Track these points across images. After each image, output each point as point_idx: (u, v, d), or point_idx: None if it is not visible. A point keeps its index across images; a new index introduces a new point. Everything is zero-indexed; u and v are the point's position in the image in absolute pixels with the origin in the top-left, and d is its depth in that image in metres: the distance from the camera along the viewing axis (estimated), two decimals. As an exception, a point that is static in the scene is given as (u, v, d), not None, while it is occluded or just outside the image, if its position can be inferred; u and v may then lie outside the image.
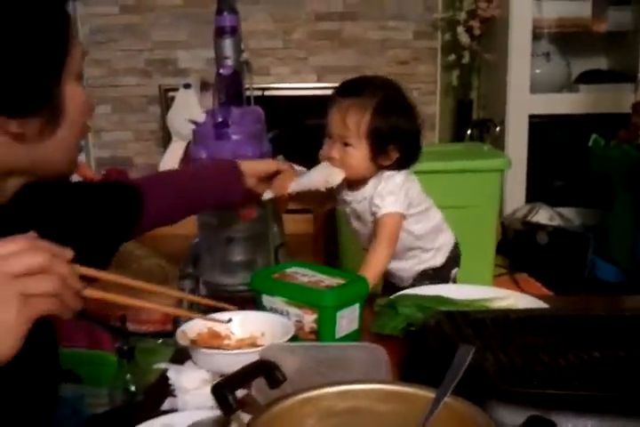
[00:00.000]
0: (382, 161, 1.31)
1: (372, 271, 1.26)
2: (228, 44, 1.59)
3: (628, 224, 2.64)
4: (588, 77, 3.19)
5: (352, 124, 1.27)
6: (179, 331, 0.94)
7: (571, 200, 3.12)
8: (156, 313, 1.81)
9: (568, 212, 3.05)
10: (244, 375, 0.61)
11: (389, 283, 1.49)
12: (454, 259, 1.49)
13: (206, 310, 1.41)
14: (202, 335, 0.95)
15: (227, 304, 0.93)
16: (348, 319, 0.97)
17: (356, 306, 0.98)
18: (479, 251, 2.35)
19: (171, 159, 2.72)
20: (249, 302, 1.23)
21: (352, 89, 1.31)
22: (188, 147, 2.69)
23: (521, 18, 2.93)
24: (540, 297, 1.17)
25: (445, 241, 1.46)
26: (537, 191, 3.09)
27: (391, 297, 1.09)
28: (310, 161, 2.59)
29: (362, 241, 1.45)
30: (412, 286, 1.41)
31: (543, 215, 2.89)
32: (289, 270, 1.06)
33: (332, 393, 0.60)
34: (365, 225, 1.39)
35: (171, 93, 3.21)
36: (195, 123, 1.58)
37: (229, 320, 0.97)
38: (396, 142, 1.29)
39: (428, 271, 1.45)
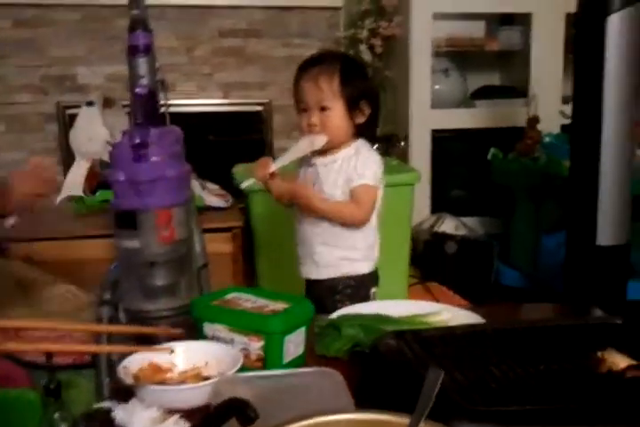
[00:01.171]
0: (358, 118, 1.44)
1: (327, 204, 1.40)
2: (142, 62, 1.54)
3: (529, 232, 2.79)
4: (484, 93, 3.36)
5: (325, 86, 1.41)
6: (120, 367, 0.90)
7: (473, 210, 3.26)
8: (72, 343, 1.72)
9: (471, 221, 3.18)
10: (217, 418, 0.59)
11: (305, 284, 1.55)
12: (374, 276, 1.53)
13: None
14: (144, 370, 0.92)
15: (166, 329, 0.90)
16: (294, 344, 0.96)
17: (302, 329, 0.98)
18: (394, 263, 2.40)
19: (74, 179, 2.60)
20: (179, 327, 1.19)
21: (315, 61, 1.47)
22: (91, 166, 2.58)
23: (420, 36, 3.04)
24: (468, 307, 1.21)
25: (375, 256, 1.50)
26: (441, 202, 3.20)
27: (333, 317, 1.09)
28: (220, 176, 2.58)
29: (301, 214, 1.49)
30: (334, 301, 1.46)
31: (449, 225, 3.00)
32: (229, 296, 1.04)
33: (313, 424, 0.59)
34: (320, 190, 1.45)
35: (69, 111, 3.08)
36: (111, 144, 1.52)
37: (171, 351, 0.94)
38: (366, 98, 1.45)
39: (349, 283, 1.49)
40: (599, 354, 0.81)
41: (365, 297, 1.49)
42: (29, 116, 3.14)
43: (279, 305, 0.98)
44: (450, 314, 1.12)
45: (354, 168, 1.42)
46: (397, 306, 1.20)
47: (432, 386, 0.62)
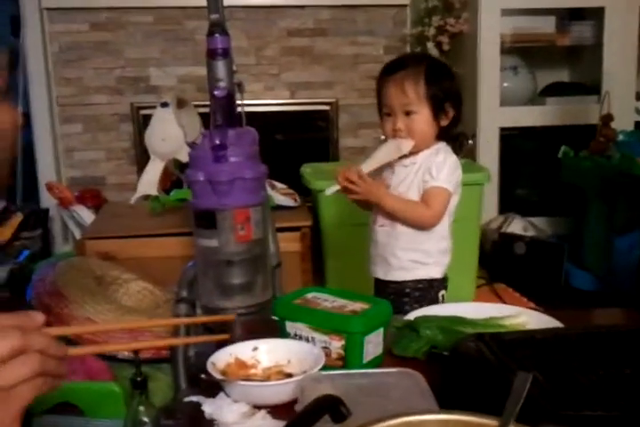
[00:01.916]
0: (442, 121, 1.45)
1: (398, 202, 1.42)
2: (220, 65, 1.59)
3: (601, 233, 2.72)
4: (554, 90, 3.29)
5: (411, 91, 1.42)
6: (208, 363, 0.94)
7: (542, 210, 3.20)
8: (151, 339, 1.78)
9: (540, 221, 3.12)
10: (312, 414, 0.62)
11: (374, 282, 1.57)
12: (444, 281, 1.55)
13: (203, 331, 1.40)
14: (230, 366, 0.95)
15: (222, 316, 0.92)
16: (373, 344, 0.98)
17: (381, 330, 1.00)
18: (463, 264, 2.39)
19: (149, 178, 2.69)
20: (249, 324, 1.23)
21: (399, 65, 1.47)
22: (166, 166, 2.66)
23: (489, 33, 3.01)
24: (545, 311, 1.21)
25: (446, 261, 1.53)
26: (509, 202, 3.16)
27: (410, 318, 1.10)
28: (288, 175, 2.62)
29: (377, 216, 1.51)
30: (403, 302, 1.48)
31: (517, 226, 2.96)
32: (309, 296, 1.07)
33: (400, 424, 0.61)
34: (395, 191, 1.47)
35: (143, 111, 3.18)
36: (191, 145, 1.57)
37: (255, 348, 0.98)
38: (450, 100, 1.45)
39: (419, 286, 1.50)
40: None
41: (434, 300, 1.51)
42: (105, 117, 3.26)
43: (358, 305, 1.01)
44: (527, 318, 1.12)
45: (429, 170, 1.43)
46: (473, 308, 1.21)
47: (521, 389, 0.63)
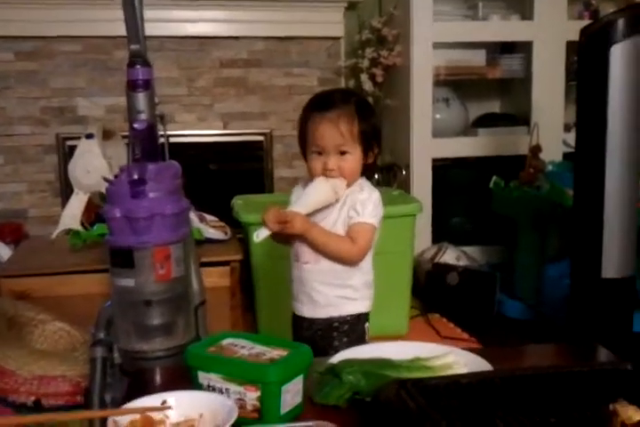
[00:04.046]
0: (368, 159, 1.42)
1: (325, 236, 1.38)
2: (141, 97, 1.53)
3: (532, 262, 2.75)
4: (485, 121, 3.35)
5: (346, 131, 1.38)
6: (110, 420, 0.86)
7: (475, 239, 3.22)
8: (64, 385, 1.67)
9: (473, 251, 3.14)
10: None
11: (296, 320, 1.51)
12: (369, 313, 1.52)
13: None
14: (135, 423, 0.87)
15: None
16: (292, 393, 0.92)
17: (300, 378, 0.94)
18: (396, 295, 2.37)
19: (72, 212, 2.58)
20: (169, 369, 1.15)
21: (329, 102, 1.41)
22: (89, 199, 2.56)
23: (421, 65, 3.04)
24: (473, 350, 1.17)
25: (371, 294, 1.51)
26: (443, 231, 3.17)
27: (333, 362, 1.05)
28: (220, 206, 2.56)
29: (300, 253, 1.46)
30: (331, 338, 1.45)
31: (450, 255, 2.96)
32: (225, 342, 1.00)
33: None
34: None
35: (69, 142, 3.08)
36: (107, 181, 1.50)
37: (164, 402, 0.90)
38: (377, 137, 1.44)
39: (346, 320, 1.47)
40: (611, 407, 0.77)
41: (362, 333, 1.49)
42: (29, 148, 3.14)
43: (276, 352, 0.94)
44: (455, 358, 1.08)
45: (354, 206, 1.40)
46: (399, 347, 1.16)
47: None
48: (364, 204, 1.40)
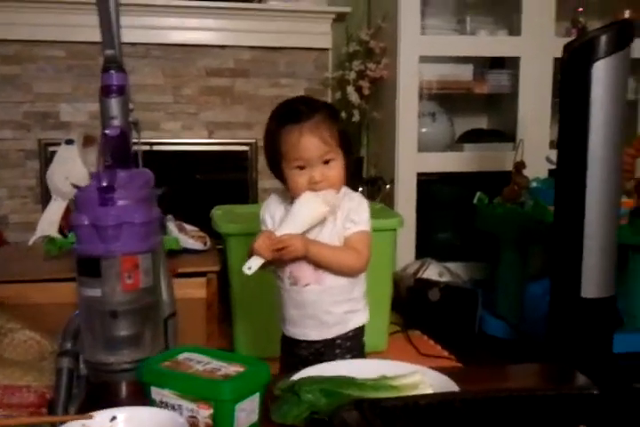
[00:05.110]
0: (348, 165, 1.36)
1: (325, 250, 1.30)
2: (114, 103, 1.50)
3: (514, 279, 2.72)
4: (471, 137, 3.34)
5: (329, 138, 1.31)
6: (53, 435, 0.82)
7: (458, 255, 3.20)
8: (29, 396, 1.63)
9: (456, 266, 3.12)
10: None
11: (292, 341, 1.42)
12: (365, 325, 1.46)
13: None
14: (81, 439, 0.84)
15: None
16: (247, 412, 0.89)
17: (256, 396, 0.90)
18: (375, 310, 2.32)
19: (50, 218, 2.54)
20: (135, 383, 1.11)
21: (301, 111, 1.32)
22: (68, 206, 2.52)
23: (407, 79, 3.03)
24: (444, 369, 1.14)
25: (367, 302, 1.44)
26: (426, 247, 3.14)
27: (293, 379, 1.01)
28: (202, 216, 2.53)
29: (298, 275, 1.36)
30: (334, 355, 1.38)
31: (433, 271, 2.93)
32: (181, 357, 0.97)
33: None
34: None
35: (51, 148, 3.05)
36: (77, 187, 1.47)
37: (113, 418, 0.87)
38: (350, 140, 1.38)
39: (349, 335, 1.41)
40: (572, 433, 0.74)
41: (362, 347, 1.43)
42: (10, 153, 3.10)
43: (232, 368, 0.91)
44: (420, 377, 1.05)
45: (349, 216, 1.33)
46: (366, 365, 1.13)
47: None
48: (358, 212, 1.34)
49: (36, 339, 1.92)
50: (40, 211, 3.06)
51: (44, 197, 3.05)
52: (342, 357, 1.38)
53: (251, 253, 1.30)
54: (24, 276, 2.14)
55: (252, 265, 1.27)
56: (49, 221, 2.47)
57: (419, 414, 0.82)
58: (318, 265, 1.33)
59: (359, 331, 1.42)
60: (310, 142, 1.30)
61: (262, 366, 0.94)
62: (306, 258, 1.31)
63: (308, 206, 1.30)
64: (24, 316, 1.93)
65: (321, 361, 1.32)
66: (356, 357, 1.38)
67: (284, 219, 1.32)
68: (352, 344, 1.40)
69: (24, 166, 3.12)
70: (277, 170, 1.36)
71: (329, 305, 1.36)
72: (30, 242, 2.47)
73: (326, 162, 1.31)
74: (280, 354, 1.47)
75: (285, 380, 1.02)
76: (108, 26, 1.46)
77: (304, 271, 1.34)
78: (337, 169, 1.32)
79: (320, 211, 1.31)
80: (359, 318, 1.41)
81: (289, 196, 1.37)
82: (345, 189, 1.38)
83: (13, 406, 1.71)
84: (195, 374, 0.90)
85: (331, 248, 1.32)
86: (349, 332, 1.40)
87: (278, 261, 1.34)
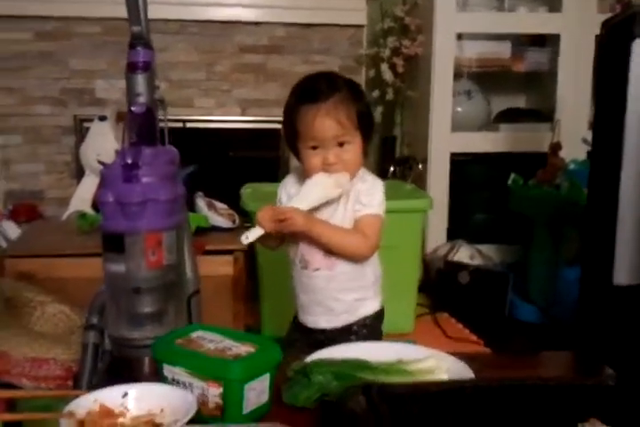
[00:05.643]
0: (367, 146, 1.32)
1: (330, 229, 1.27)
2: (140, 80, 1.50)
3: (546, 264, 2.67)
4: (508, 116, 3.26)
5: (346, 120, 1.27)
6: (65, 410, 0.84)
7: (491, 237, 3.15)
8: (56, 369, 1.67)
9: (488, 249, 3.07)
10: None
11: (306, 329, 1.40)
12: (384, 311, 1.44)
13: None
14: (91, 413, 0.85)
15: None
16: (257, 392, 0.89)
17: (266, 376, 0.90)
18: (401, 292, 2.32)
19: (83, 194, 2.58)
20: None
21: (320, 90, 1.28)
22: (101, 182, 2.55)
23: (443, 57, 2.97)
24: (468, 354, 1.13)
25: (380, 289, 1.42)
26: (458, 228, 3.10)
27: (306, 361, 1.01)
28: (233, 194, 2.53)
29: (308, 258, 1.35)
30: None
31: (464, 253, 2.90)
32: (194, 335, 0.97)
33: None
34: None
35: (86, 124, 3.07)
36: (103, 164, 1.48)
37: (125, 394, 0.88)
38: (372, 122, 1.34)
39: (365, 323, 1.39)
40: (581, 426, 0.72)
41: (380, 334, 1.41)
42: (46, 129, 3.15)
43: (244, 348, 0.91)
44: (436, 363, 1.04)
45: (358, 197, 1.31)
46: (382, 349, 1.12)
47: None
48: (370, 194, 1.30)
49: (66, 312, 1.96)
50: (75, 186, 3.11)
51: (79, 173, 3.09)
52: None
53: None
54: (55, 250, 2.18)
55: (250, 235, 1.27)
56: (82, 197, 2.51)
57: (428, 402, 0.81)
58: (322, 245, 1.31)
59: (376, 318, 1.40)
60: (325, 124, 1.26)
61: (274, 346, 0.94)
62: (309, 237, 1.30)
63: (318, 185, 1.28)
64: (55, 290, 1.97)
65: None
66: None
67: (296, 194, 1.32)
68: (368, 331, 1.38)
69: (60, 142, 3.16)
70: (294, 148, 1.34)
71: (337, 292, 1.35)
72: (64, 217, 2.52)
73: (341, 144, 1.28)
74: (291, 337, 1.45)
75: (299, 362, 1.02)
76: (134, 2, 1.46)
77: (314, 255, 1.33)
78: (353, 152, 1.29)
79: (329, 191, 1.29)
80: (370, 306, 1.39)
81: (305, 175, 1.35)
82: (362, 172, 1.35)
83: (40, 379, 1.75)
84: (205, 353, 0.91)
85: (335, 229, 1.30)
86: (365, 319, 1.38)
87: (279, 238, 1.33)
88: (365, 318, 1.38)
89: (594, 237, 1.94)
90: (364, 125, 1.31)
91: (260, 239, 1.30)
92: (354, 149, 1.29)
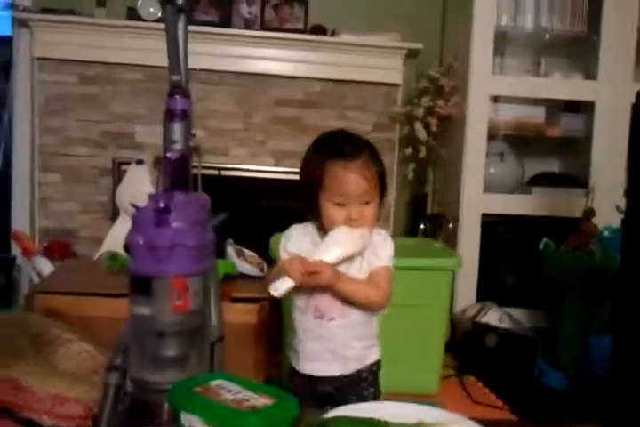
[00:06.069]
0: (381, 205, 1.37)
1: (353, 284, 1.31)
2: (177, 127, 1.53)
3: (577, 331, 2.60)
4: (541, 180, 3.25)
5: (371, 181, 1.32)
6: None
7: (521, 301, 3.09)
8: (77, 408, 1.65)
9: (518, 313, 3.00)
10: None
11: (310, 378, 1.39)
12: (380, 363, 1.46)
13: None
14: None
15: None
16: (273, 446, 0.86)
17: (284, 430, 0.88)
18: (428, 351, 2.28)
19: (116, 235, 2.61)
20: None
21: (348, 148, 1.33)
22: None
23: (477, 118, 3.00)
24: (494, 421, 1.09)
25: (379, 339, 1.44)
26: (487, 290, 3.05)
27: (325, 417, 0.98)
28: (264, 242, 2.54)
29: (324, 309, 1.35)
30: (360, 389, 1.38)
31: (493, 316, 2.84)
32: (213, 383, 0.96)
33: None
34: None
35: (124, 167, 3.14)
36: (135, 207, 1.50)
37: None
38: (386, 184, 1.39)
39: (372, 369, 1.41)
40: None
41: (379, 381, 1.44)
42: (85, 169, 3.22)
43: (261, 400, 0.89)
44: (459, 427, 1.00)
45: (374, 249, 1.36)
46: (405, 409, 1.09)
47: None
48: (382, 247, 1.36)
49: (92, 353, 1.95)
50: (109, 227, 3.15)
51: (115, 214, 3.14)
52: (367, 391, 1.39)
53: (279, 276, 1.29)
54: (84, 288, 2.19)
55: (281, 287, 1.26)
56: (115, 238, 2.54)
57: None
58: (343, 298, 1.33)
59: (379, 365, 1.44)
60: (355, 181, 1.31)
61: (292, 400, 0.91)
62: (332, 289, 1.31)
63: (344, 240, 1.31)
64: (82, 328, 1.97)
65: (347, 396, 1.35)
66: (377, 391, 1.40)
67: (318, 247, 1.33)
68: (373, 378, 1.42)
69: (97, 183, 3.22)
70: (311, 200, 1.35)
71: (351, 340, 1.37)
72: (96, 257, 2.54)
73: (366, 202, 1.33)
74: (291, 387, 1.43)
75: (316, 417, 1.00)
76: (175, 52, 1.50)
77: (332, 305, 1.34)
78: (373, 209, 1.34)
79: (356, 245, 1.32)
80: (375, 353, 1.42)
81: (312, 228, 1.39)
82: (375, 228, 1.39)
83: (61, 417, 1.73)
84: (223, 402, 0.89)
85: (357, 283, 1.34)
86: (372, 366, 1.41)
87: (302, 289, 1.32)
88: (372, 365, 1.41)
89: (626, 307, 1.89)
90: (382, 184, 1.37)
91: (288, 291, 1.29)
92: (374, 206, 1.35)
